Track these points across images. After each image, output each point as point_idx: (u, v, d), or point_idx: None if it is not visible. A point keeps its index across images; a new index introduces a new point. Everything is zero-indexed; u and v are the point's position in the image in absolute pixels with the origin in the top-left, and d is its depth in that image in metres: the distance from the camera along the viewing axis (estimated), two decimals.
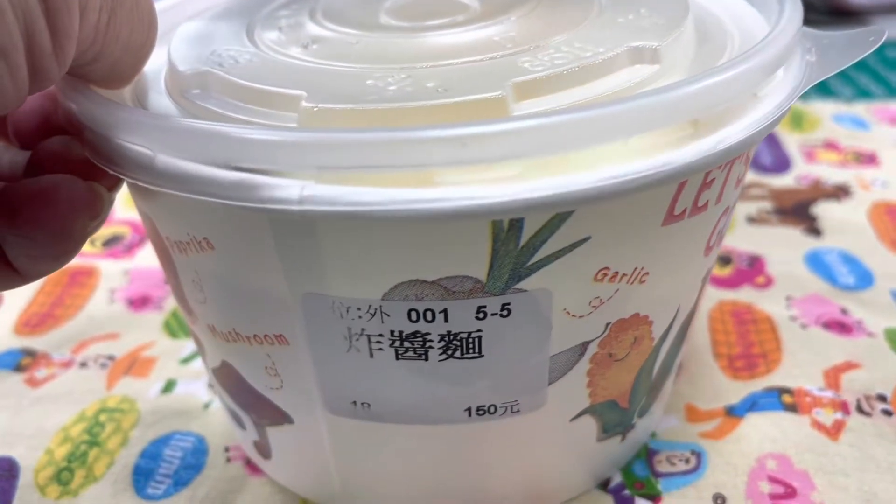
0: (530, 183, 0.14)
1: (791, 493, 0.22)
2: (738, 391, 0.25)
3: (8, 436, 0.26)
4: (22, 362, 0.29)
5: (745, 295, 0.30)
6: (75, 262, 0.33)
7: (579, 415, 0.20)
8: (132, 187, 0.19)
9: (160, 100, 0.19)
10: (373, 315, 0.17)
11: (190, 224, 0.17)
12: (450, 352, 0.18)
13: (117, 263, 0.33)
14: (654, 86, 0.18)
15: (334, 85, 0.17)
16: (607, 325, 0.18)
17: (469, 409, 0.19)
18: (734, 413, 0.25)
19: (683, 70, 0.19)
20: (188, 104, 0.19)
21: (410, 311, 0.17)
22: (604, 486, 0.23)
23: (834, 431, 0.24)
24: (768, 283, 0.30)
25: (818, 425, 0.24)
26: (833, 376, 0.25)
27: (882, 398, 0.25)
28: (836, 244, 0.32)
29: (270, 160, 0.15)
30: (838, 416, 0.24)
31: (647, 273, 0.18)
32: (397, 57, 0.18)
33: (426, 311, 0.17)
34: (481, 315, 0.17)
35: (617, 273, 0.17)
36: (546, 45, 0.18)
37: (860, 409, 0.24)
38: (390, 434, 0.20)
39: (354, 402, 0.19)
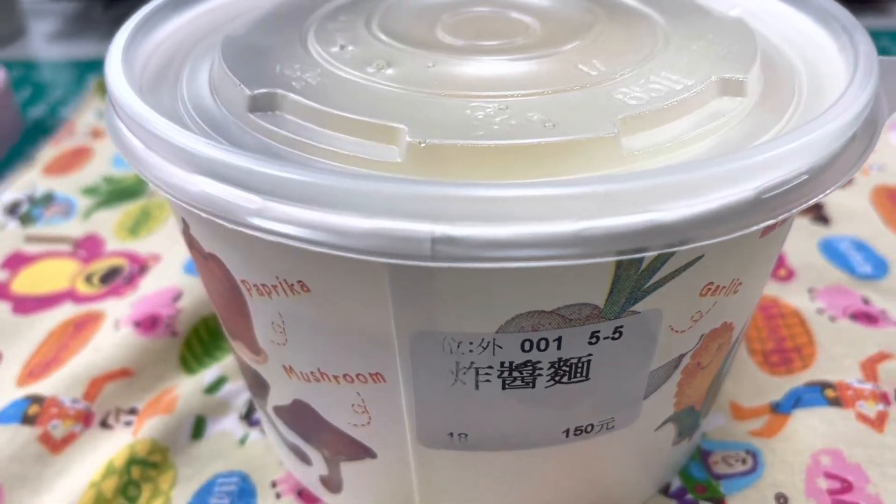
0: (662, 212, 0.14)
1: (848, 487, 0.23)
2: (779, 387, 0.26)
3: None
4: (29, 411, 0.26)
5: (769, 289, 0.30)
6: (79, 310, 0.31)
7: (664, 423, 0.20)
8: (201, 225, 0.18)
9: (223, 121, 0.18)
10: (485, 348, 0.17)
11: (282, 268, 0.17)
12: (558, 377, 0.17)
13: (122, 300, 0.31)
14: (742, 118, 0.18)
15: (431, 116, 0.17)
16: (702, 336, 0.19)
17: (567, 430, 0.19)
18: (780, 410, 0.25)
19: (760, 101, 0.19)
20: (259, 128, 0.18)
21: (524, 341, 0.17)
22: (664, 490, 0.23)
23: (878, 423, 0.24)
24: (790, 275, 0.31)
25: (863, 418, 0.25)
26: (870, 368, 0.26)
27: None
28: (846, 232, 0.34)
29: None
30: (881, 407, 0.25)
31: (741, 283, 0.18)
32: (483, 83, 0.18)
33: (540, 340, 0.17)
34: (594, 340, 0.17)
35: (719, 286, 0.17)
36: (635, 75, 0.18)
37: None
38: (483, 461, 0.19)
39: (451, 434, 0.19)
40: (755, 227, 0.15)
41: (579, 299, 0.16)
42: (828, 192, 0.16)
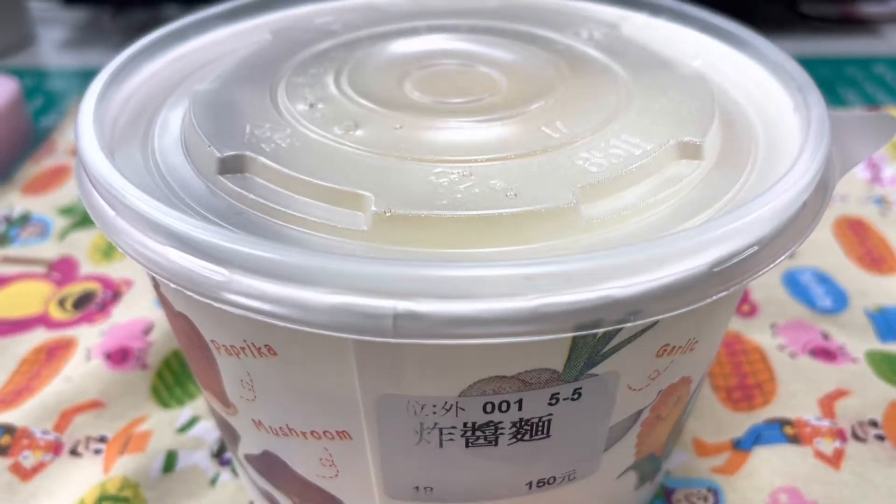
0: (618, 289, 0.15)
1: None
2: (741, 424, 0.27)
3: None
4: (1, 442, 0.26)
5: (733, 324, 0.31)
6: (52, 336, 0.31)
7: (625, 471, 0.21)
8: (167, 290, 0.18)
9: (193, 182, 0.19)
10: (448, 410, 0.17)
11: (250, 333, 0.17)
12: (519, 436, 0.18)
13: (94, 327, 0.31)
14: (699, 181, 0.18)
15: (397, 183, 0.17)
16: (659, 391, 0.19)
17: (530, 483, 0.19)
18: (741, 447, 0.26)
19: (717, 161, 0.19)
20: (229, 190, 0.18)
21: (486, 403, 0.17)
22: None
23: (835, 460, 0.25)
24: (753, 310, 0.32)
25: (820, 455, 0.25)
26: (827, 405, 0.27)
27: (874, 423, 0.26)
28: (808, 262, 0.34)
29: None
30: (837, 444, 0.26)
31: (696, 341, 0.19)
32: (449, 148, 0.19)
33: (502, 402, 0.17)
34: (554, 401, 0.17)
35: (675, 347, 0.18)
36: (596, 138, 0.19)
37: (856, 436, 0.26)
38: None
39: (417, 488, 0.19)
40: (708, 301, 0.16)
41: (539, 365, 0.16)
42: (779, 260, 0.17)
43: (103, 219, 0.17)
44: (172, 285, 0.16)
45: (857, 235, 0.36)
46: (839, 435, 0.26)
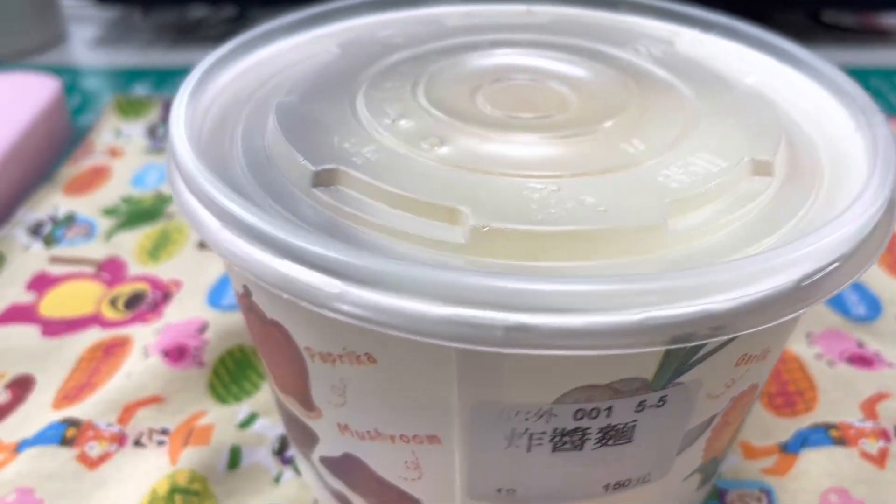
0: (714, 304, 0.16)
1: None
2: (786, 428, 0.28)
3: None
4: (67, 434, 0.27)
5: None
6: (106, 335, 0.32)
7: (691, 474, 0.22)
8: (267, 296, 0.19)
9: (286, 194, 0.19)
10: (540, 417, 0.18)
11: (351, 341, 0.18)
12: (604, 441, 0.19)
13: (148, 325, 0.32)
14: (771, 197, 0.19)
15: (490, 197, 0.18)
16: (732, 398, 0.20)
17: (607, 485, 0.20)
18: (789, 450, 0.27)
19: (786, 178, 0.20)
20: (322, 202, 0.19)
21: (577, 410, 0.18)
22: None
23: (880, 459, 0.26)
24: None
25: (866, 455, 0.26)
26: (869, 408, 0.28)
27: None
28: None
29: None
30: (881, 444, 0.26)
31: (769, 350, 0.20)
32: (534, 163, 0.19)
33: (592, 409, 0.18)
34: (640, 408, 0.18)
35: (752, 356, 0.19)
36: (673, 155, 0.20)
37: None
38: None
39: (499, 490, 0.20)
40: (794, 314, 0.16)
41: (631, 374, 0.17)
42: (857, 275, 0.17)
43: (206, 230, 0.18)
44: (284, 296, 0.16)
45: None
46: (883, 435, 0.27)
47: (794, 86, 0.25)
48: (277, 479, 0.27)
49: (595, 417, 0.18)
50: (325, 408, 0.20)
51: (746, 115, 0.22)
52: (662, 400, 0.18)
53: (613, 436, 0.19)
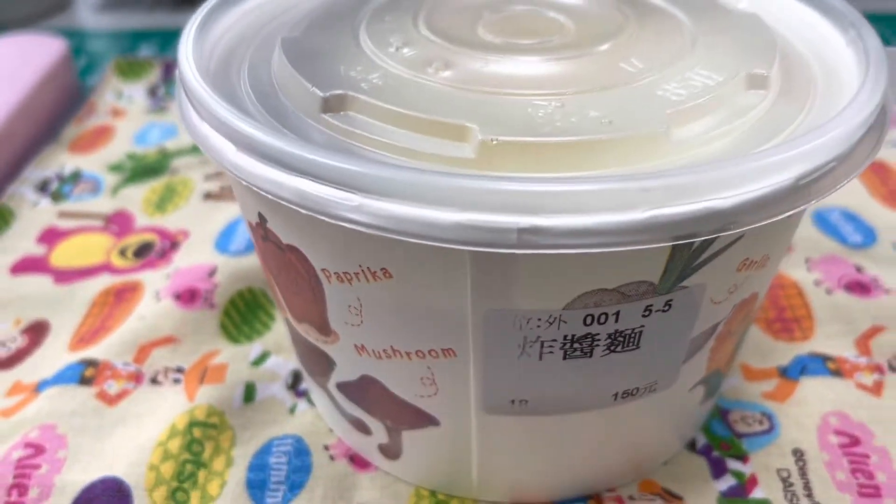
0: (717, 201, 0.16)
1: (856, 441, 0.25)
2: (784, 353, 0.29)
3: (103, 456, 0.26)
4: (85, 373, 0.28)
5: None
6: (117, 280, 0.33)
7: (696, 385, 0.23)
8: (283, 219, 0.19)
9: (296, 121, 0.20)
10: (551, 323, 0.19)
11: (367, 257, 0.18)
12: (612, 347, 0.19)
13: (158, 271, 0.33)
14: (767, 109, 0.20)
15: (496, 114, 0.19)
16: (734, 306, 0.21)
17: (616, 394, 0.21)
18: (788, 375, 0.28)
19: (780, 92, 0.21)
20: (332, 126, 0.19)
21: (587, 316, 0.18)
22: (691, 446, 0.26)
23: (876, 389, 0.27)
24: (789, 248, 0.33)
25: (862, 386, 0.27)
26: (863, 344, 0.29)
27: None
28: (836, 203, 0.36)
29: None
30: (876, 376, 0.28)
31: (768, 257, 0.20)
32: (537, 82, 0.20)
33: (601, 314, 0.19)
34: (647, 313, 0.19)
35: (752, 261, 0.20)
36: (672, 72, 0.20)
37: (892, 368, 0.28)
38: (538, 424, 0.21)
39: (513, 401, 0.21)
40: (793, 211, 0.17)
41: (638, 278, 0.18)
42: (852, 176, 0.18)
43: (221, 155, 0.18)
44: (303, 211, 0.17)
45: (879, 176, 0.38)
46: (877, 369, 0.28)
47: (784, 8, 0.25)
48: (292, 410, 0.27)
49: (603, 323, 0.19)
50: (341, 330, 0.21)
51: (741, 34, 0.22)
52: (668, 304, 0.19)
53: (622, 342, 0.19)
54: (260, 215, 0.20)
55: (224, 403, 0.27)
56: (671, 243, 0.16)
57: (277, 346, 0.30)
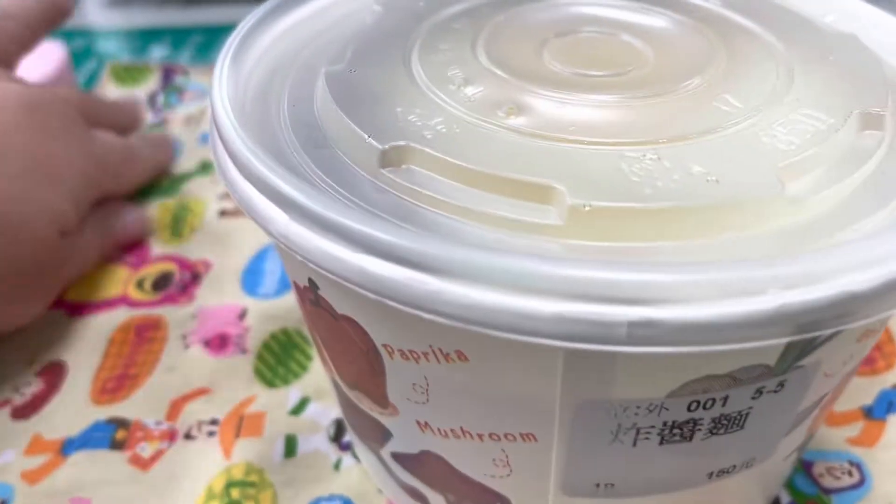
0: (855, 284, 0.14)
1: None
2: (866, 389, 0.26)
3: None
4: (116, 437, 0.26)
5: None
6: (136, 314, 0.30)
7: (791, 453, 0.20)
8: (339, 291, 0.17)
9: (351, 177, 0.17)
10: (651, 411, 0.16)
11: (440, 339, 0.16)
12: (715, 431, 0.17)
13: (180, 309, 0.30)
14: (885, 152, 0.17)
15: (585, 171, 0.16)
16: (845, 375, 0.18)
17: (711, 473, 0.19)
18: (874, 415, 0.25)
19: (894, 129, 0.18)
20: (393, 184, 0.17)
21: (692, 402, 0.16)
22: None
23: None
24: None
25: None
26: None
27: None
28: None
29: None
30: None
31: (885, 321, 0.18)
32: (623, 128, 0.17)
33: (707, 400, 0.16)
34: (757, 395, 0.17)
35: (873, 331, 0.17)
36: (773, 112, 0.18)
37: None
38: None
39: (598, 485, 0.18)
40: None
41: (753, 361, 0.16)
42: None
43: (270, 223, 0.16)
44: (371, 296, 0.15)
45: None
46: None
47: (877, 24, 0.23)
48: (337, 466, 0.25)
49: (709, 408, 0.16)
50: (402, 406, 0.19)
51: (842, 61, 0.20)
52: (781, 384, 0.17)
53: (725, 424, 0.17)
54: (311, 281, 0.18)
55: (263, 459, 0.25)
56: (807, 336, 0.14)
57: (317, 390, 0.27)
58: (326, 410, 0.27)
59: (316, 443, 0.26)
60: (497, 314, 0.14)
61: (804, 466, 0.24)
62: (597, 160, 0.16)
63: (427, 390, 0.18)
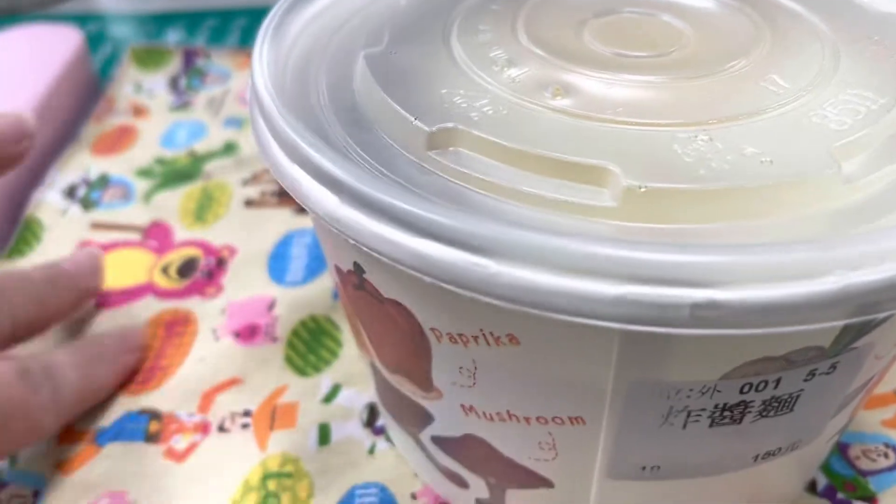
0: None
1: None
2: None
3: None
4: (150, 429, 0.26)
5: None
6: (165, 307, 0.30)
7: (835, 434, 0.20)
8: (386, 274, 0.17)
9: (398, 159, 0.17)
10: (703, 394, 0.16)
11: (491, 322, 0.16)
12: (765, 413, 0.17)
13: (209, 303, 0.30)
14: None
15: (637, 152, 0.16)
16: (893, 357, 0.18)
17: (757, 456, 0.19)
18: None
19: None
20: (441, 167, 0.17)
21: (745, 385, 0.16)
22: (811, 488, 0.23)
23: None
24: None
25: None
26: None
27: None
28: None
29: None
30: None
31: None
32: (674, 108, 0.17)
33: (760, 382, 0.16)
34: (809, 377, 0.16)
35: None
36: (823, 93, 0.18)
37: None
38: (666, 488, 0.19)
39: (644, 467, 0.18)
40: None
41: (809, 343, 0.15)
42: None
43: (320, 205, 0.16)
44: (427, 279, 0.14)
45: None
46: None
47: None
48: (372, 451, 0.25)
49: (761, 390, 0.16)
50: (447, 389, 0.19)
51: (887, 40, 0.20)
52: (833, 367, 0.16)
53: (776, 407, 0.17)
54: (357, 265, 0.18)
55: (298, 448, 0.25)
56: (865, 318, 0.14)
57: (348, 376, 0.27)
58: (359, 396, 0.27)
59: (350, 429, 0.26)
60: (557, 297, 0.14)
61: (840, 449, 0.24)
62: (648, 141, 0.16)
63: (475, 374, 0.17)
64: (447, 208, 0.14)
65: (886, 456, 0.24)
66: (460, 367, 0.18)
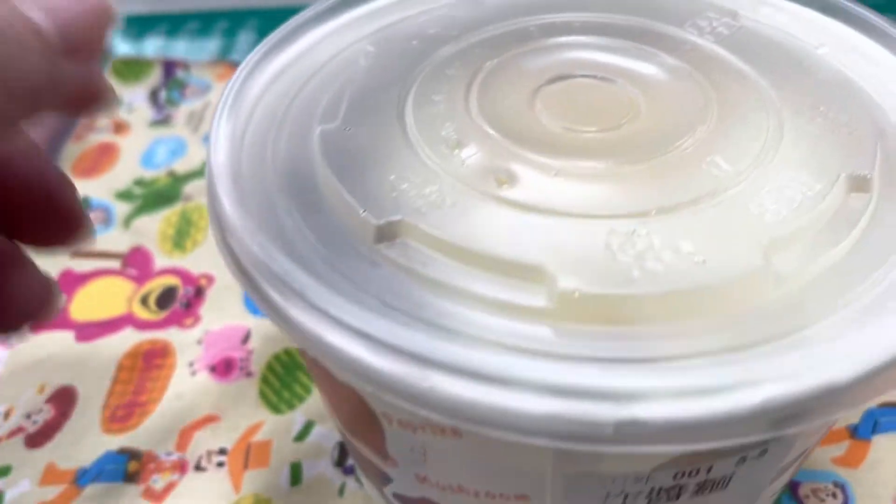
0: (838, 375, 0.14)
1: None
2: None
3: None
4: (129, 469, 0.27)
5: None
6: (143, 338, 0.31)
7: (775, 494, 0.21)
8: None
9: (345, 249, 0.18)
10: (638, 481, 0.17)
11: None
12: (700, 492, 0.18)
13: (187, 333, 0.31)
14: (871, 215, 0.18)
15: (574, 250, 0.16)
16: (829, 427, 0.19)
17: None
18: (860, 436, 0.26)
19: (881, 189, 0.18)
20: (387, 260, 0.17)
21: (677, 473, 0.17)
22: None
23: None
24: None
25: None
26: None
27: None
28: None
29: None
30: None
31: None
32: (616, 198, 0.18)
33: (692, 470, 0.17)
34: (741, 461, 0.17)
35: None
36: (761, 176, 0.18)
37: None
38: None
39: None
40: None
41: None
42: None
43: (269, 302, 0.16)
44: (369, 389, 0.15)
45: None
46: None
47: (868, 57, 0.23)
48: (341, 492, 0.26)
49: (694, 476, 0.17)
50: (402, 461, 0.19)
51: (832, 112, 0.20)
52: (763, 451, 0.17)
53: (710, 486, 0.18)
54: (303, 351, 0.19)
55: (271, 489, 0.26)
56: (788, 431, 0.14)
57: (320, 414, 0.28)
58: (330, 433, 0.28)
59: (321, 468, 0.27)
60: (488, 413, 0.14)
61: (790, 487, 0.25)
62: (586, 237, 0.17)
63: (425, 454, 0.18)
64: (384, 317, 0.15)
65: (834, 496, 0.25)
66: (411, 448, 0.18)
